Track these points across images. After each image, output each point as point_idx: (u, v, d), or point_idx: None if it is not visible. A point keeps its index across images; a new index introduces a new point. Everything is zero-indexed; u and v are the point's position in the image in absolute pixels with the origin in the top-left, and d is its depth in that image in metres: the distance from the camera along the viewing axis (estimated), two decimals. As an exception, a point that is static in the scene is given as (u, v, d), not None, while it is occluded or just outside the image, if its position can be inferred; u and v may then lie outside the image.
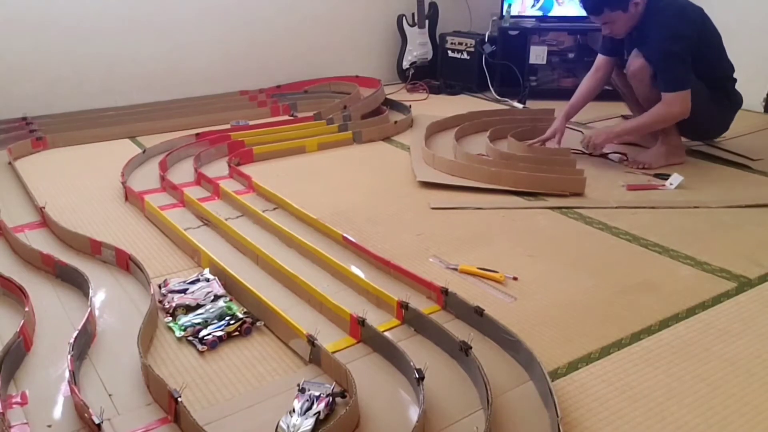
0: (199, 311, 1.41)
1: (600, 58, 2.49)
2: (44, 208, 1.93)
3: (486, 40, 3.65)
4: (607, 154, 2.51)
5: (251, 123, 3.00)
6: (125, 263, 1.63)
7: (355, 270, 1.61)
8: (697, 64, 2.21)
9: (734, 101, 2.39)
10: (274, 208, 2.03)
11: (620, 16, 2.21)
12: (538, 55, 3.48)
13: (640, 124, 2.32)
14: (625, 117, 2.87)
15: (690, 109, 2.19)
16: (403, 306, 1.38)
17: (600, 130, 2.41)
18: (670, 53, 2.17)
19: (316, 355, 1.25)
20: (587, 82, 2.51)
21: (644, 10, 2.21)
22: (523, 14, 3.58)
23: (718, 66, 2.33)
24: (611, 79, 2.53)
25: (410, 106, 3.25)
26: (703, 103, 2.25)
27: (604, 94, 2.58)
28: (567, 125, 2.56)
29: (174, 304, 1.43)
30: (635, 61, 2.27)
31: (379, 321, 1.38)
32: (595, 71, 2.49)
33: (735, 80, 2.37)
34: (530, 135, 2.64)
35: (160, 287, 1.52)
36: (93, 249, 1.71)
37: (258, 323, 1.38)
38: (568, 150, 2.44)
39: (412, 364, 1.17)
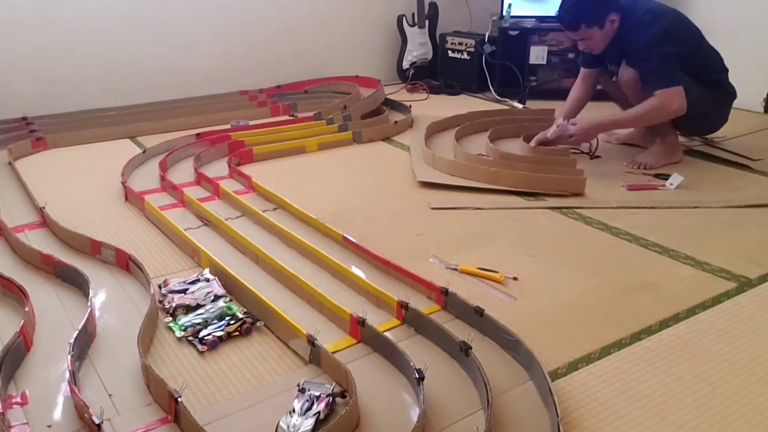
0: (199, 311, 1.41)
1: (583, 70, 2.54)
2: (44, 208, 1.93)
3: (486, 40, 3.65)
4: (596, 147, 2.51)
5: (251, 123, 3.00)
6: (125, 263, 1.63)
7: (355, 270, 1.61)
8: (685, 63, 2.23)
9: (731, 92, 2.40)
10: (274, 208, 2.03)
11: (596, 33, 2.26)
12: (538, 55, 3.48)
13: (634, 116, 2.28)
14: None
15: (686, 104, 2.18)
16: (403, 306, 1.38)
17: (583, 124, 2.35)
18: (654, 54, 2.19)
19: (316, 355, 1.25)
20: (576, 90, 2.56)
21: (620, 26, 2.25)
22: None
23: (706, 60, 2.33)
24: (602, 86, 2.56)
25: (410, 106, 3.25)
26: (699, 100, 2.26)
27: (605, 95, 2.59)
28: None
29: (174, 304, 1.43)
30: (626, 71, 2.31)
31: (379, 321, 1.38)
32: (582, 80, 2.55)
33: (727, 70, 2.37)
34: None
35: (160, 287, 1.52)
36: (93, 249, 1.71)
37: (258, 323, 1.38)
38: (568, 150, 2.44)
39: (412, 364, 1.17)
